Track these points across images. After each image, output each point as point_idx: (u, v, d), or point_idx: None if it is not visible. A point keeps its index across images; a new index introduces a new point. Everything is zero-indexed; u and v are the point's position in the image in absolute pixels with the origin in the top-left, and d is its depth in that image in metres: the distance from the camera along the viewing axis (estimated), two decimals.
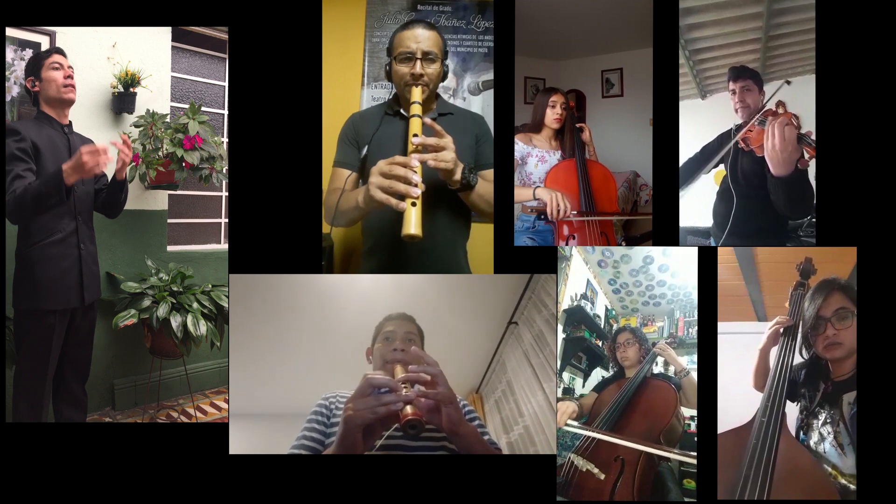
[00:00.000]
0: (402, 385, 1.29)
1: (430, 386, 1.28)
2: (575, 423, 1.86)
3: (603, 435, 1.78)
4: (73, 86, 2.18)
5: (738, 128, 1.98)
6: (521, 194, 2.15)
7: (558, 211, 2.07)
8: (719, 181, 2.04)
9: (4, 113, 2.30)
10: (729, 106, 2.01)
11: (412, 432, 1.21)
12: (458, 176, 1.66)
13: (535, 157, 2.25)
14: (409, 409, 1.22)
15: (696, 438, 1.80)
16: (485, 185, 1.76)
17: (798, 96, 1.94)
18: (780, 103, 1.93)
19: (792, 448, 1.57)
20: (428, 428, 1.25)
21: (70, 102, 2.21)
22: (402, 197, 1.55)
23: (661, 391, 1.87)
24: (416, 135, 1.65)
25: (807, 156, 1.84)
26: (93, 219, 2.30)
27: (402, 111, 1.86)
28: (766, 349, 1.73)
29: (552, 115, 2.25)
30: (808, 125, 1.90)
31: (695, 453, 1.73)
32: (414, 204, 1.54)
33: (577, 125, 2.26)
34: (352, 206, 1.73)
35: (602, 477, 1.73)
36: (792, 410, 1.66)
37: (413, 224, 1.52)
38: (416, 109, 1.73)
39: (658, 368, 1.97)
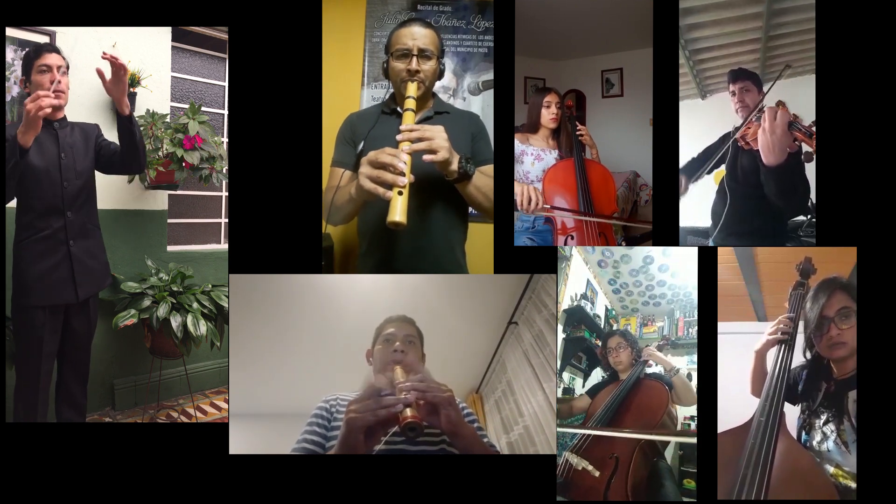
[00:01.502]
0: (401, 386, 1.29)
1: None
2: (566, 422, 1.87)
3: (596, 430, 1.79)
4: (60, 91, 2.06)
5: (738, 129, 1.98)
6: None
7: (529, 202, 2.04)
8: (718, 181, 2.04)
9: (4, 113, 2.29)
10: (729, 106, 2.01)
11: (411, 434, 1.22)
12: (454, 166, 1.66)
13: (531, 155, 2.24)
14: (408, 411, 1.23)
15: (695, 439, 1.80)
16: (482, 178, 1.76)
17: (797, 96, 1.94)
18: (780, 103, 1.93)
19: (790, 448, 1.56)
20: (427, 429, 1.26)
21: (57, 108, 2.08)
22: (390, 187, 1.55)
23: (654, 390, 1.87)
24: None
25: (798, 142, 1.83)
26: (95, 214, 2.28)
27: (398, 109, 1.86)
28: (762, 352, 1.73)
29: (548, 115, 2.25)
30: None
31: (692, 440, 1.73)
32: (401, 193, 1.54)
33: (577, 132, 2.25)
34: (346, 200, 1.74)
35: (597, 474, 1.73)
36: (791, 410, 1.66)
37: (398, 211, 1.52)
38: (409, 104, 1.74)
39: (653, 369, 1.96)
